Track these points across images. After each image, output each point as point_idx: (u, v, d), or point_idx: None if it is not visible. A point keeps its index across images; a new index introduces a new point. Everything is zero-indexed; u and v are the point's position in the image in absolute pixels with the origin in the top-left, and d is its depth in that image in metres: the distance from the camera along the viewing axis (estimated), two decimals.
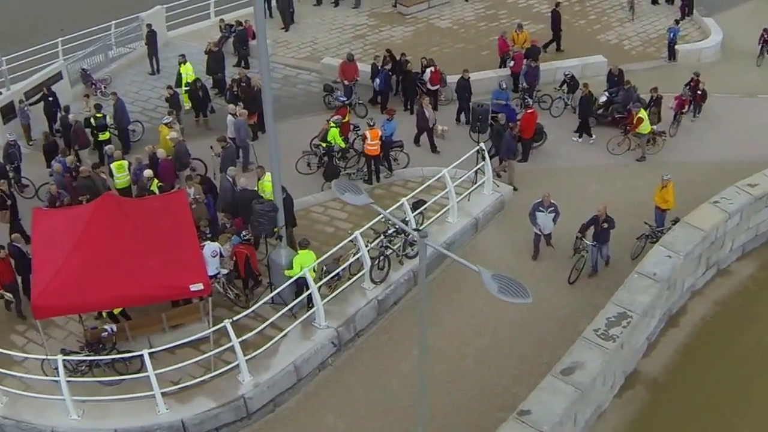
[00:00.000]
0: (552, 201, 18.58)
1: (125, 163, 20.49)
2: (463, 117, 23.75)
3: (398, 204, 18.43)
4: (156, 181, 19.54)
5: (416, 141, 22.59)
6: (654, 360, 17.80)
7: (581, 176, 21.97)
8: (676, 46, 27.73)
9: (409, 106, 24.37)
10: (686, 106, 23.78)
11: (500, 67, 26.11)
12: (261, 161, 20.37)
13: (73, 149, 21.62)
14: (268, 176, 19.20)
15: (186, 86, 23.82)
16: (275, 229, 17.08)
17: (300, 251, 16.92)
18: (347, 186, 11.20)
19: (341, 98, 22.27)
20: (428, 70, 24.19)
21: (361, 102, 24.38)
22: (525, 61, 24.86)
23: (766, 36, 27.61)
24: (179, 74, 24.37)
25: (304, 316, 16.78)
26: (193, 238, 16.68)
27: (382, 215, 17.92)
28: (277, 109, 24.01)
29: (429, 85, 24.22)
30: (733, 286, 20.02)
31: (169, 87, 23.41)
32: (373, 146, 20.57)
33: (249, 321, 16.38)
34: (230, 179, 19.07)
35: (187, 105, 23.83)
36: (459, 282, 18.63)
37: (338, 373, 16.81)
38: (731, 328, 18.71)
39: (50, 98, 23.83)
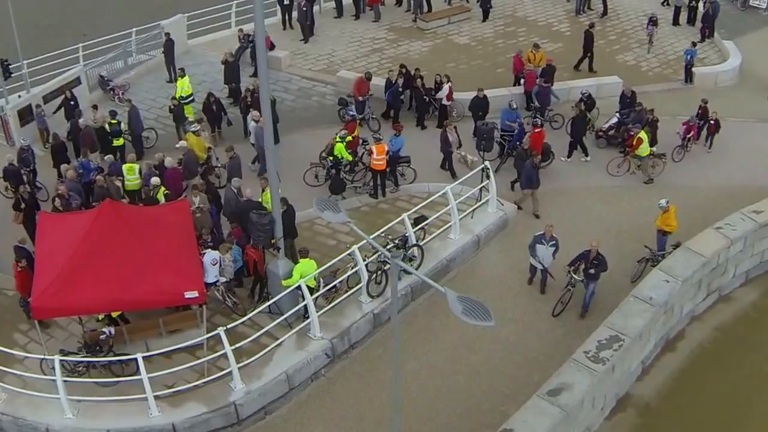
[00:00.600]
0: (554, 234, 18.27)
1: (136, 166, 20.97)
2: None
3: (399, 219, 18.67)
4: (163, 189, 19.98)
5: (443, 166, 22.26)
6: (648, 384, 17.75)
7: (586, 197, 22.01)
8: (693, 69, 27.62)
9: (420, 122, 24.59)
10: (692, 132, 23.58)
11: (514, 85, 26.24)
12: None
13: (82, 153, 22.06)
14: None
15: (181, 99, 24.13)
16: (272, 241, 17.41)
17: (301, 260, 17.21)
18: (326, 204, 11.44)
19: (350, 113, 22.56)
20: (446, 86, 24.42)
21: (374, 117, 24.67)
22: (537, 80, 24.93)
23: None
24: (176, 88, 24.76)
25: (299, 327, 17.07)
26: (192, 246, 17.09)
27: (382, 230, 18.60)
28: (290, 121, 24.95)
29: (444, 101, 24.42)
30: (734, 313, 19.87)
31: (173, 98, 23.82)
32: (379, 161, 20.83)
33: (246, 329, 16.74)
34: (235, 189, 19.42)
35: (190, 116, 24.06)
36: None
37: (330, 384, 17.03)
38: (729, 355, 18.58)
39: (71, 102, 24.46)
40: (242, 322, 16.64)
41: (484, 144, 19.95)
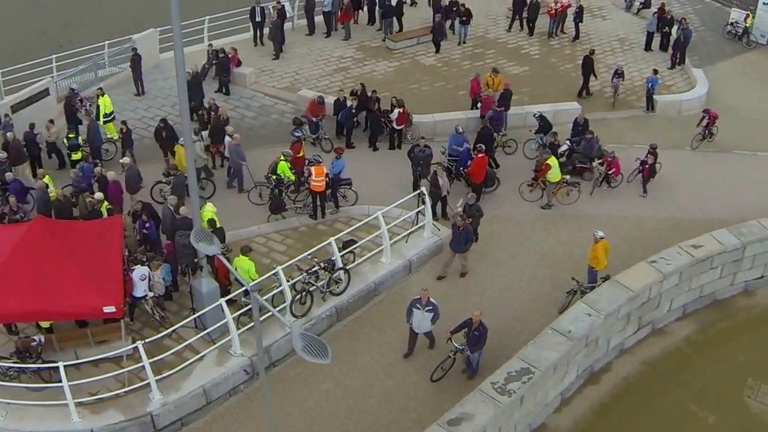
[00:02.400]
0: (431, 300, 17.20)
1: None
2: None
3: (326, 242, 18.79)
4: (106, 203, 20.25)
5: (434, 210, 21.08)
6: (565, 416, 17.68)
7: (528, 225, 21.98)
8: (656, 97, 27.49)
9: (372, 144, 24.81)
10: (614, 168, 23.28)
11: (471, 108, 26.25)
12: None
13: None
14: (208, 206, 19.82)
15: (105, 117, 24.30)
16: (195, 260, 17.63)
17: (240, 255, 17.88)
18: (202, 235, 11.58)
19: (295, 134, 22.66)
20: (396, 111, 24.48)
21: (327, 137, 24.79)
22: (494, 105, 24.94)
23: (707, 118, 25.75)
24: (98, 107, 24.73)
25: (221, 343, 17.35)
26: (117, 263, 17.57)
27: (308, 252, 18.75)
28: (248, 138, 25.13)
29: (395, 125, 24.52)
30: (665, 347, 19.72)
31: (123, 123, 23.79)
32: (318, 183, 20.94)
33: (171, 342, 17.22)
34: (171, 207, 19.63)
35: (113, 135, 24.15)
36: (382, 322, 18.97)
37: (247, 400, 17.31)
38: (653, 390, 18.44)
39: (73, 106, 25.13)
40: (166, 335, 17.12)
41: (419, 170, 19.97)
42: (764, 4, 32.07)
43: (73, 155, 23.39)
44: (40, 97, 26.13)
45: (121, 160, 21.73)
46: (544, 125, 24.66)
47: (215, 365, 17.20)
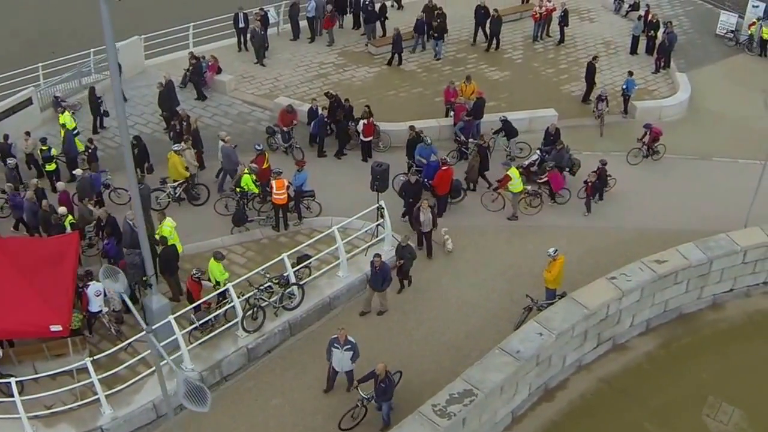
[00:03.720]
0: (350, 338, 16.67)
1: None
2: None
3: (278, 258, 18.81)
4: (70, 217, 20.41)
5: (419, 243, 20.84)
6: None
7: (492, 237, 21.81)
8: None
9: (339, 153, 24.78)
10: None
11: (446, 116, 26.07)
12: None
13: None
14: (166, 221, 19.89)
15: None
16: (143, 278, 17.76)
17: (213, 260, 18.47)
18: (110, 273, 11.67)
19: (258, 147, 22.62)
20: (361, 122, 24.36)
21: (298, 146, 24.76)
22: (464, 113, 24.74)
23: (648, 134, 24.69)
24: (60, 123, 24.69)
25: (173, 357, 17.35)
26: (69, 280, 17.75)
27: (260, 269, 18.81)
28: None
29: (362, 137, 24.42)
30: (625, 363, 19.47)
31: (90, 140, 23.84)
32: (279, 195, 20.93)
33: (126, 355, 17.52)
34: (130, 222, 19.72)
35: (79, 147, 24.06)
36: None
37: (196, 414, 17.00)
38: (608, 407, 18.24)
39: (99, 99, 26.00)
40: (119, 350, 17.49)
41: (377, 184, 19.90)
42: (754, 6, 31.42)
43: (47, 166, 23.58)
44: (23, 106, 26.34)
45: (74, 171, 21.96)
46: (508, 129, 24.43)
47: (166, 380, 17.28)
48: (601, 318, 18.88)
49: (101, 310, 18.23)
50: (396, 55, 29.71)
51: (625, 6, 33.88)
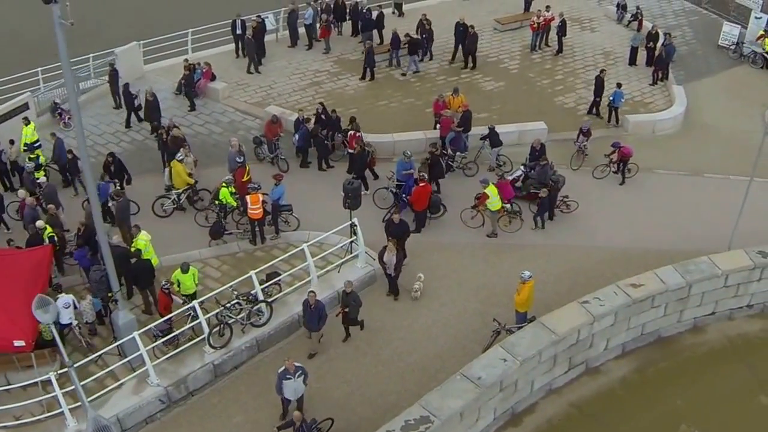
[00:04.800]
0: (296, 364, 16.58)
1: None
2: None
3: (246, 276, 18.83)
4: (49, 229, 20.56)
5: (392, 293, 20.36)
6: None
7: (469, 255, 21.61)
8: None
9: (320, 165, 24.75)
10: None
11: (434, 127, 25.85)
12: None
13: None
14: (141, 235, 19.99)
15: (24, 147, 24.18)
16: (109, 294, 17.91)
17: (180, 273, 18.71)
18: (41, 303, 11.76)
19: (238, 159, 22.62)
20: (348, 134, 24.28)
21: (283, 157, 24.75)
22: (452, 126, 24.54)
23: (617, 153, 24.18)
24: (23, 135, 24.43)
25: (140, 371, 17.64)
26: (36, 294, 17.62)
27: (227, 285, 18.86)
28: (211, 156, 25.25)
29: (348, 149, 24.34)
30: (598, 388, 19.23)
31: (70, 151, 23.79)
32: (254, 210, 20.93)
33: (96, 368, 17.71)
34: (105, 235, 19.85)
35: (30, 164, 23.70)
36: (304, 355, 18.75)
37: (162, 428, 17.61)
38: None
39: (134, 95, 26.76)
40: (90, 362, 17.62)
41: (349, 202, 19.80)
42: (756, 18, 30.74)
43: (36, 174, 23.73)
44: (20, 111, 26.57)
45: (38, 180, 22.19)
46: (493, 138, 24.26)
47: (132, 394, 17.58)
48: (572, 343, 18.64)
49: (71, 323, 18.38)
50: (368, 70, 29.28)
51: (628, 16, 33.30)
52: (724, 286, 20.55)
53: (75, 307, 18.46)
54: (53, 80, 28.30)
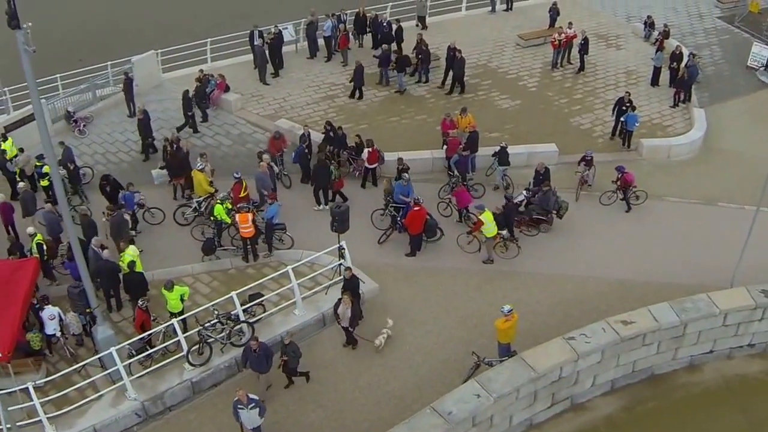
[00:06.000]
0: (251, 396, 16.34)
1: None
2: None
3: (227, 296, 18.91)
4: (39, 236, 20.88)
5: (349, 344, 19.62)
6: None
7: (462, 281, 21.28)
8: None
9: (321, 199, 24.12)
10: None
11: (442, 147, 25.51)
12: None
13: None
14: (129, 249, 20.24)
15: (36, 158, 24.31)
16: (87, 310, 18.20)
17: (164, 290, 18.84)
18: None
19: (235, 175, 22.70)
20: (366, 151, 24.22)
21: (286, 173, 24.77)
22: (458, 149, 24.19)
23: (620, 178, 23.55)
24: (2, 150, 24.67)
25: (119, 384, 17.91)
26: (16, 307, 18.08)
27: (209, 304, 18.97)
28: (220, 168, 25.28)
29: (367, 164, 24.30)
30: (581, 425, 18.77)
31: (71, 161, 24.14)
32: (245, 229, 21.00)
33: (79, 378, 18.14)
34: (95, 248, 20.16)
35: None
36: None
37: None
38: None
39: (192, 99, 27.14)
40: (74, 371, 18.01)
41: (336, 226, 19.70)
42: None
43: (41, 182, 24.21)
44: (34, 118, 27.05)
45: (19, 185, 22.66)
46: (503, 156, 23.96)
47: (110, 406, 17.92)
48: (553, 380, 18.20)
49: (55, 333, 18.80)
50: (357, 89, 28.98)
51: (655, 33, 32.38)
52: (723, 325, 19.83)
53: (61, 320, 18.83)
54: (72, 86, 28.97)
